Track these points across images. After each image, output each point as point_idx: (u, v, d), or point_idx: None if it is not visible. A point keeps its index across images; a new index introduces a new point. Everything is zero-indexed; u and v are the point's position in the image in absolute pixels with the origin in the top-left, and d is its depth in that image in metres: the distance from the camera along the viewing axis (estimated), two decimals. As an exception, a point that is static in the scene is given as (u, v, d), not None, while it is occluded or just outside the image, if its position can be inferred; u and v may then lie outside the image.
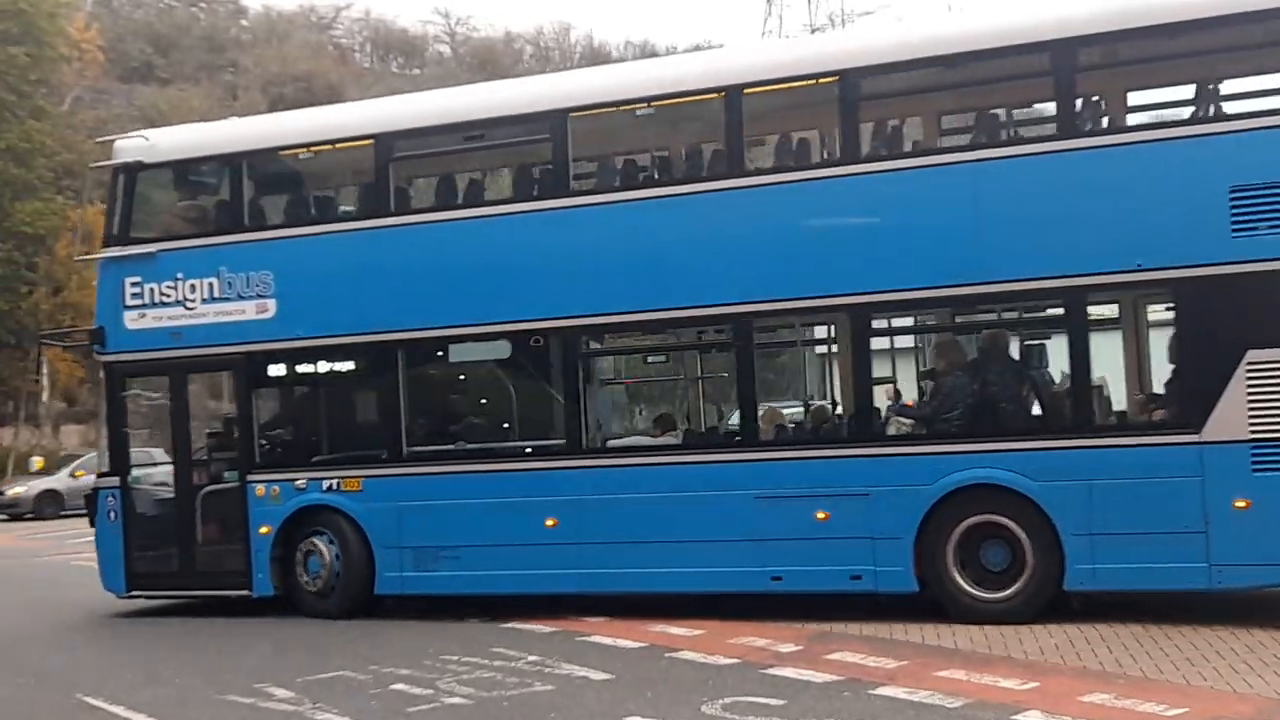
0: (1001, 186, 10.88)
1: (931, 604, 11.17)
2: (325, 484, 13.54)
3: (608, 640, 11.01)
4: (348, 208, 14.20)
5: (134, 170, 14.39)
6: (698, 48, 53.89)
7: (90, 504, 14.87)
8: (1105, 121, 11.07)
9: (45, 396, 20.41)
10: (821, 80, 11.63)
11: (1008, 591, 10.84)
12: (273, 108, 58.99)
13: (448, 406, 13.85)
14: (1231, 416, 10.07)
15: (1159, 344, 11.02)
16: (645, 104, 12.43)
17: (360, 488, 13.37)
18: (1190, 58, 10.94)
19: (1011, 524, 10.75)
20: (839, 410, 12.27)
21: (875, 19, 50.91)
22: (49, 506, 32.02)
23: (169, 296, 14.09)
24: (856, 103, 11.40)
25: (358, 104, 16.05)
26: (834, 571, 11.28)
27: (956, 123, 12.42)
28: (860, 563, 11.18)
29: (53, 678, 11.06)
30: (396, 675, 10.05)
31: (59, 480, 32.44)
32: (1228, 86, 10.95)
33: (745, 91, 11.75)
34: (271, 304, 13.65)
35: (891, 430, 11.63)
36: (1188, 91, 11.25)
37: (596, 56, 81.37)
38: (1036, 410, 11.20)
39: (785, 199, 11.63)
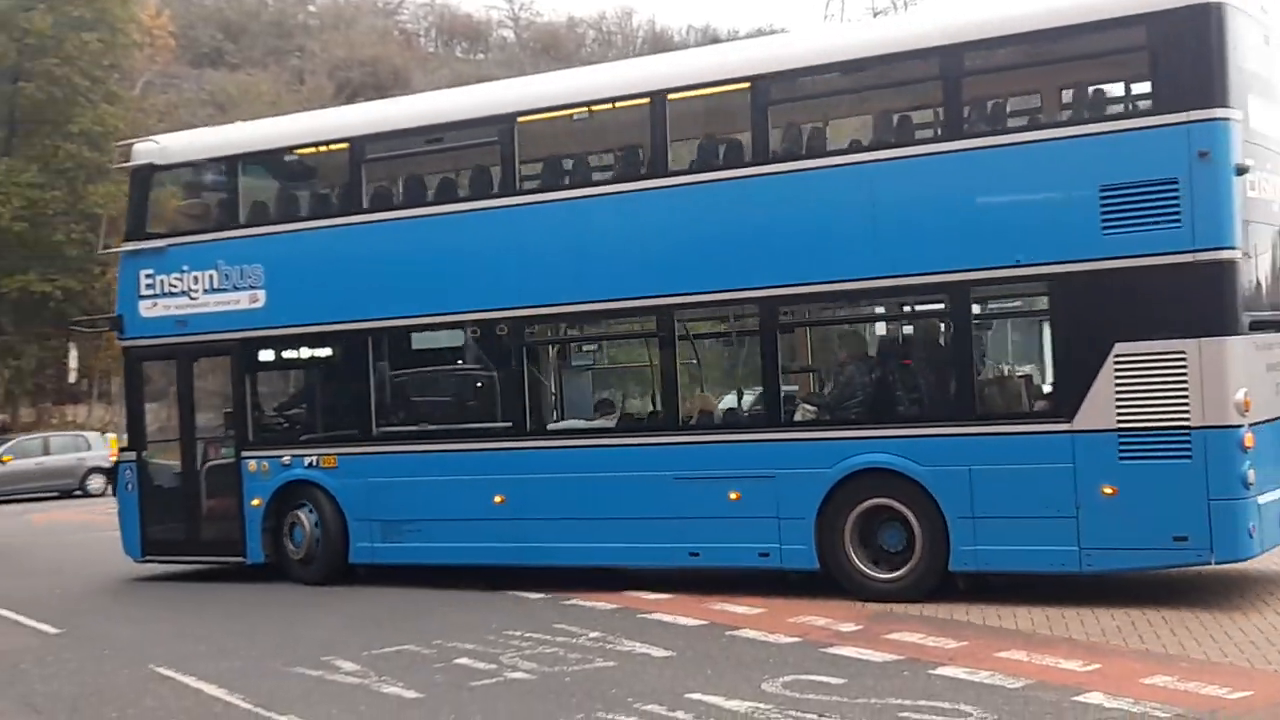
0: (894, 186, 11.27)
1: (989, 586, 11.23)
2: (306, 460, 14.48)
3: (668, 618, 11.05)
4: (324, 206, 15.03)
5: (147, 172, 15.59)
6: (760, 32, 53.53)
7: (112, 477, 15.98)
8: (989, 124, 11.40)
9: (72, 379, 21.18)
10: (736, 86, 12.16)
11: (900, 571, 11.26)
12: (339, 92, 59.51)
13: (411, 390, 14.64)
14: (1100, 407, 10.36)
15: (1038, 337, 11.37)
16: (583, 109, 13.12)
17: (336, 464, 14.31)
18: (1067, 63, 11.30)
19: (902, 507, 11.16)
20: (750, 398, 12.70)
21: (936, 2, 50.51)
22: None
23: (176, 287, 15.21)
24: (766, 107, 11.86)
25: (338, 109, 17.08)
26: (745, 549, 11.83)
27: (862, 125, 12.89)
28: (768, 541, 11.71)
29: (127, 649, 11.23)
30: (460, 650, 10.12)
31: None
32: (1101, 90, 11.31)
33: (669, 98, 12.31)
34: (262, 294, 14.64)
35: (798, 417, 12.05)
36: (1065, 95, 11.60)
37: (659, 42, 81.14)
38: (926, 399, 11.57)
39: (702, 198, 12.18)
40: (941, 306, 11.31)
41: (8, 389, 44.58)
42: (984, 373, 11.16)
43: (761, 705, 7.99)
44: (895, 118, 11.88)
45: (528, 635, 10.56)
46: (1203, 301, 10.15)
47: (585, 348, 14.03)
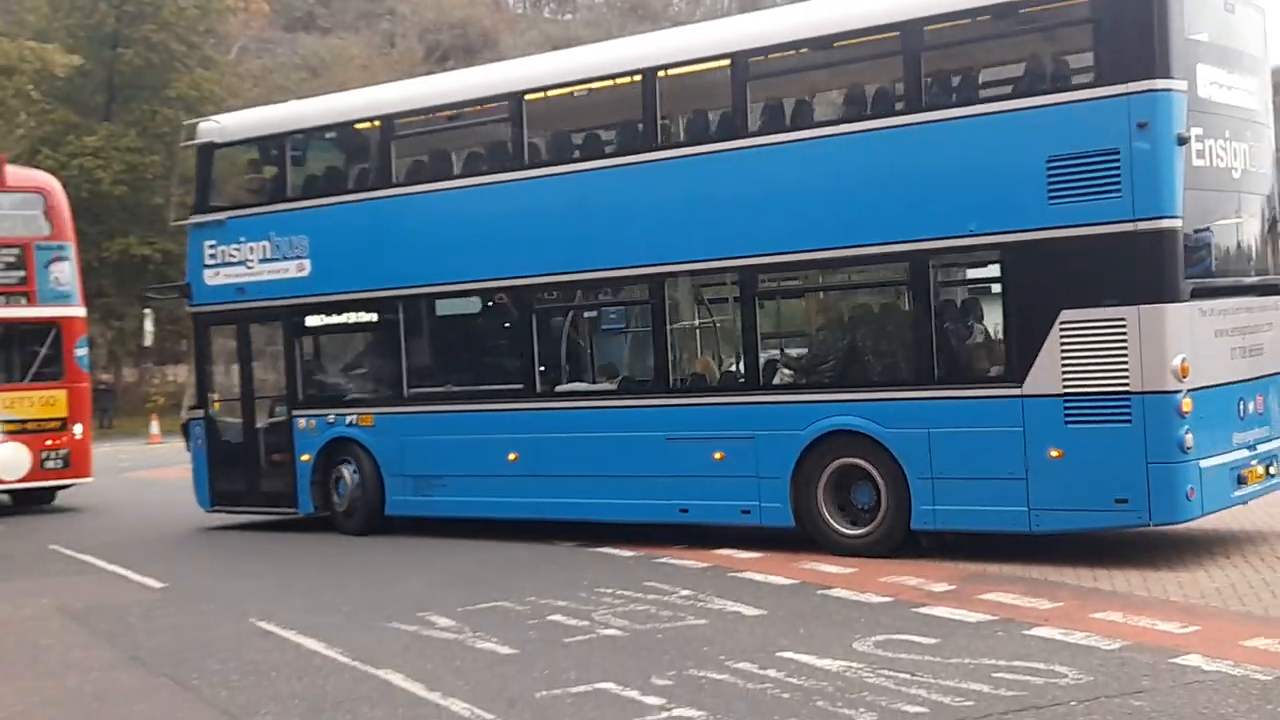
0: (856, 159, 11.77)
1: (1086, 544, 11.35)
2: (348, 419, 15.55)
3: (759, 577, 11.06)
4: (360, 180, 15.93)
5: (208, 150, 16.86)
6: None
7: (185, 432, 17.54)
8: (944, 98, 11.69)
9: (147, 343, 21.72)
10: (717, 62, 12.68)
11: (867, 528, 11.78)
12: (429, 55, 59.78)
13: (437, 353, 15.57)
14: (1048, 372, 10.72)
15: (992, 305, 11.66)
16: (584, 86, 13.89)
17: (373, 423, 15.34)
18: (1019, 36, 11.58)
19: (869, 467, 11.68)
20: (733, 363, 13.28)
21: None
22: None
23: (235, 257, 16.37)
24: (745, 82, 12.38)
25: (374, 88, 18.06)
26: (729, 506, 12.49)
27: (830, 99, 13.43)
28: (749, 499, 12.34)
29: (227, 603, 11.46)
30: (553, 607, 10.20)
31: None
32: (1049, 62, 11.48)
33: (659, 74, 12.88)
34: (307, 264, 15.70)
35: (776, 380, 12.61)
36: (1017, 68, 11.82)
37: (747, 1, 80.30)
38: (889, 364, 12.04)
39: (688, 171, 12.80)
40: (903, 275, 11.77)
41: (110, 350, 45.41)
42: (942, 339, 11.51)
43: (853, 664, 8.00)
44: (858, 92, 12.31)
45: (619, 593, 10.65)
46: (1142, 270, 10.44)
47: (587, 315, 14.72)
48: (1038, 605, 9.41)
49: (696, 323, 13.95)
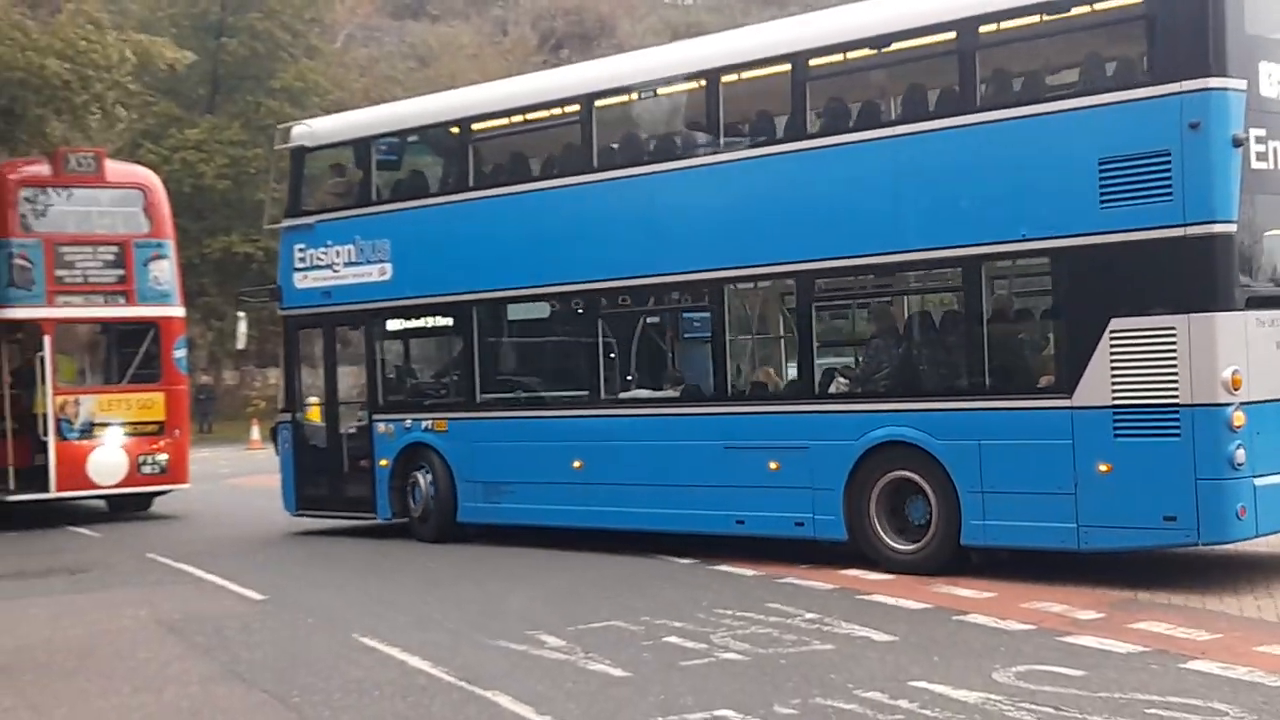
0: (912, 160, 12.21)
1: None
2: (423, 424, 16.47)
3: (890, 600, 11.10)
4: (438, 184, 17.05)
5: (300, 154, 18.04)
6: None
7: (273, 436, 18.71)
8: (998, 97, 12.05)
9: (240, 345, 22.18)
10: (777, 66, 13.29)
11: (918, 544, 12.17)
12: (542, 44, 60.18)
13: (508, 359, 16.56)
14: (1097, 383, 11.01)
15: (1043, 313, 12.03)
16: (650, 90, 14.51)
17: (447, 428, 16.22)
18: (1074, 33, 11.80)
19: (921, 480, 12.09)
20: (790, 370, 13.91)
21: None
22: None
23: (322, 261, 17.47)
24: (804, 84, 12.95)
25: (455, 91, 19.27)
26: (783, 518, 13.02)
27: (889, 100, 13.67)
28: (803, 510, 12.87)
29: (329, 617, 11.72)
30: (669, 627, 10.28)
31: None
32: (1104, 61, 11.78)
33: (722, 80, 13.59)
34: (389, 268, 16.72)
35: (832, 389, 13.11)
36: (1072, 67, 12.19)
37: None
38: (942, 373, 12.49)
39: (743, 174, 13.45)
40: (956, 281, 12.19)
41: (211, 352, 46.31)
42: (994, 348, 11.88)
43: (993, 696, 7.93)
44: (911, 93, 12.75)
45: (740, 614, 10.70)
46: (1193, 277, 10.69)
47: (649, 320, 15.36)
48: (1194, 636, 9.34)
49: (754, 330, 14.61)
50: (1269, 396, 10.77)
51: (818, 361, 13.11)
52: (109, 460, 20.73)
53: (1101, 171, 11.01)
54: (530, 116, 15.77)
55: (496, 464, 15.59)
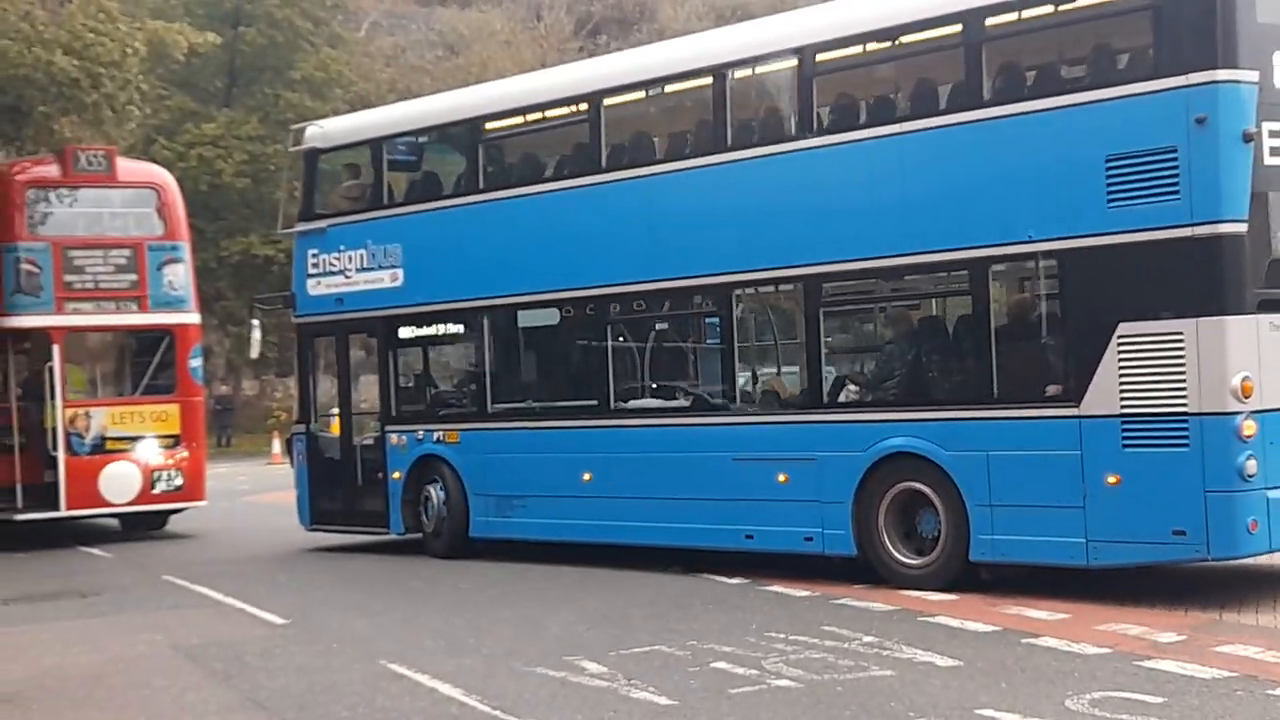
0: (915, 159, 12.49)
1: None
2: (435, 436, 16.91)
3: (954, 622, 11.12)
4: (448, 186, 17.47)
5: (313, 156, 18.59)
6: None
7: (288, 448, 19.25)
8: (1005, 93, 12.23)
9: (254, 354, 22.33)
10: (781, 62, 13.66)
11: (926, 559, 12.47)
12: (579, 29, 60.18)
13: (519, 367, 17.00)
14: (1105, 391, 11.21)
15: (1050, 318, 12.12)
16: (657, 88, 15.05)
17: (458, 440, 16.66)
18: (1082, 25, 12.02)
19: (930, 492, 12.36)
20: (796, 379, 14.13)
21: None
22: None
23: (335, 266, 17.96)
24: (811, 80, 13.29)
25: (466, 90, 19.86)
26: (792, 533, 13.34)
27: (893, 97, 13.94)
28: (812, 525, 13.19)
29: (356, 642, 11.80)
30: (717, 653, 10.30)
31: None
32: (1111, 54, 11.95)
33: (731, 76, 13.94)
34: (400, 273, 17.19)
35: (841, 398, 13.45)
36: (1079, 61, 12.34)
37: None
38: (949, 381, 12.74)
39: (746, 175, 13.76)
40: (963, 285, 12.46)
41: (229, 360, 46.52)
42: (1002, 355, 12.12)
43: (1065, 725, 7.86)
44: (915, 89, 13.03)
45: (793, 638, 10.72)
46: (1201, 279, 10.87)
47: (657, 326, 15.72)
48: (1285, 660, 9.40)
49: (762, 337, 14.94)
50: None
51: (825, 369, 13.47)
52: (121, 477, 20.75)
53: (1109, 169, 11.24)
54: (536, 116, 16.21)
55: (508, 477, 16.04)
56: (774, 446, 13.55)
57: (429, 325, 17.45)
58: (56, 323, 20.67)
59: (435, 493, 16.76)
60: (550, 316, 16.16)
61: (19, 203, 20.85)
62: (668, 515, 14.32)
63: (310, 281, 18.25)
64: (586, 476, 15.13)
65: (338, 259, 17.82)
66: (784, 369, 14.78)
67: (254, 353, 22.34)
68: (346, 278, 17.69)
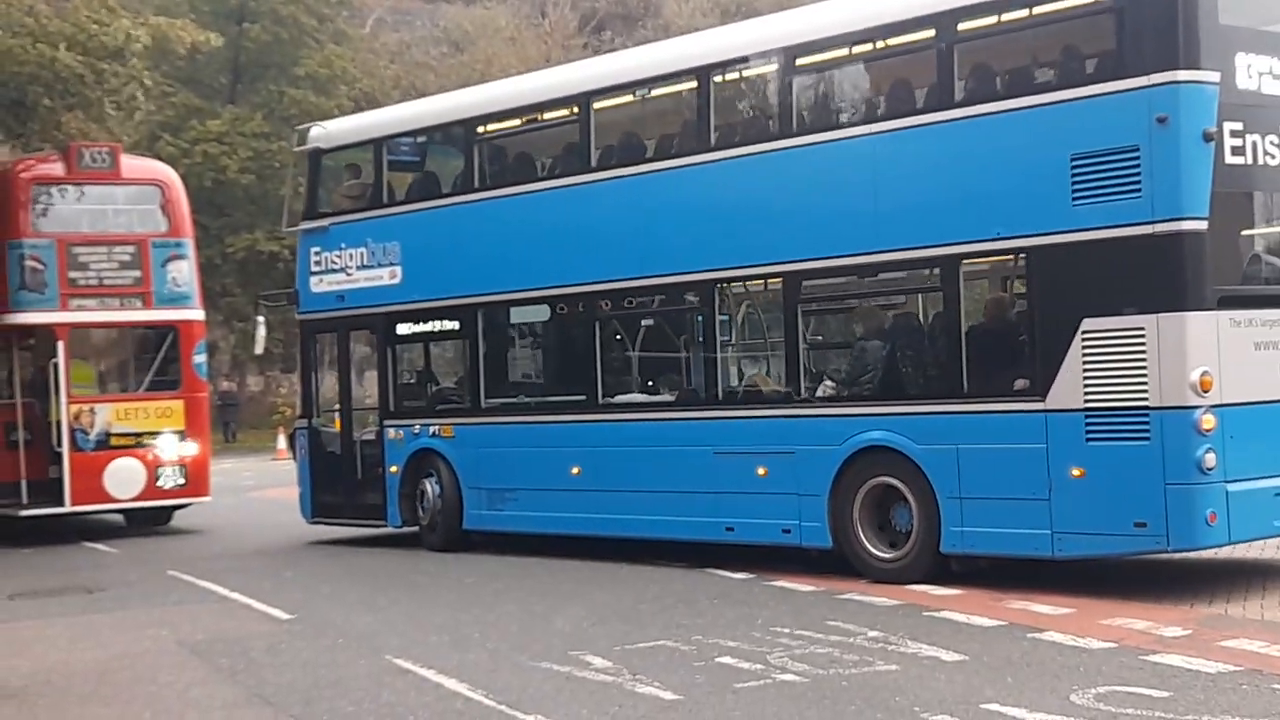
0: (891, 158, 12.77)
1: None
2: (430, 430, 17.31)
3: (960, 616, 11.18)
4: (444, 185, 17.90)
5: (316, 156, 19.05)
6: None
7: (291, 443, 19.88)
8: (974, 93, 12.50)
9: (258, 350, 22.38)
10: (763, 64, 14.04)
11: (899, 552, 12.74)
12: (583, 26, 60.17)
13: (511, 363, 17.51)
14: (1070, 385, 11.49)
15: (1017, 313, 12.43)
16: (644, 89, 15.42)
17: (453, 434, 17.06)
18: (1048, 26, 12.26)
19: (902, 486, 12.66)
20: (775, 373, 14.45)
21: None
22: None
23: (336, 264, 18.39)
24: (790, 81, 13.68)
25: (462, 91, 20.44)
26: (771, 525, 13.66)
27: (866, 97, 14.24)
28: (790, 517, 13.51)
29: (361, 637, 11.87)
30: (723, 647, 10.35)
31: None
32: (1077, 54, 12.18)
33: (712, 78, 14.31)
34: (399, 271, 17.62)
35: (817, 393, 13.73)
36: (1048, 61, 12.55)
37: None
38: (921, 376, 13.01)
39: (725, 175, 14.12)
40: (934, 282, 12.74)
41: (234, 356, 46.56)
42: (971, 350, 12.38)
43: (1070, 719, 7.93)
44: (890, 90, 13.29)
45: (798, 633, 10.77)
46: (1162, 275, 11.15)
47: (644, 322, 15.98)
48: (1291, 654, 9.47)
49: (743, 333, 15.17)
50: (1245, 399, 11.23)
51: (804, 365, 13.77)
52: (125, 472, 20.89)
53: (1074, 168, 11.53)
54: (528, 117, 16.65)
55: (499, 470, 16.46)
56: (754, 441, 13.88)
57: (426, 322, 17.78)
58: (61, 319, 20.81)
59: (430, 486, 17.15)
60: (541, 313, 16.59)
61: (23, 199, 20.98)
62: (652, 508, 14.65)
63: (313, 279, 18.66)
64: (575, 470, 15.49)
65: (339, 257, 18.22)
66: (765, 364, 15.08)
67: (259, 349, 22.41)
68: (348, 275, 18.11)
